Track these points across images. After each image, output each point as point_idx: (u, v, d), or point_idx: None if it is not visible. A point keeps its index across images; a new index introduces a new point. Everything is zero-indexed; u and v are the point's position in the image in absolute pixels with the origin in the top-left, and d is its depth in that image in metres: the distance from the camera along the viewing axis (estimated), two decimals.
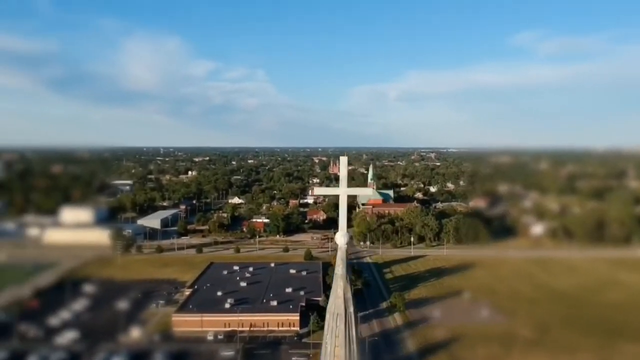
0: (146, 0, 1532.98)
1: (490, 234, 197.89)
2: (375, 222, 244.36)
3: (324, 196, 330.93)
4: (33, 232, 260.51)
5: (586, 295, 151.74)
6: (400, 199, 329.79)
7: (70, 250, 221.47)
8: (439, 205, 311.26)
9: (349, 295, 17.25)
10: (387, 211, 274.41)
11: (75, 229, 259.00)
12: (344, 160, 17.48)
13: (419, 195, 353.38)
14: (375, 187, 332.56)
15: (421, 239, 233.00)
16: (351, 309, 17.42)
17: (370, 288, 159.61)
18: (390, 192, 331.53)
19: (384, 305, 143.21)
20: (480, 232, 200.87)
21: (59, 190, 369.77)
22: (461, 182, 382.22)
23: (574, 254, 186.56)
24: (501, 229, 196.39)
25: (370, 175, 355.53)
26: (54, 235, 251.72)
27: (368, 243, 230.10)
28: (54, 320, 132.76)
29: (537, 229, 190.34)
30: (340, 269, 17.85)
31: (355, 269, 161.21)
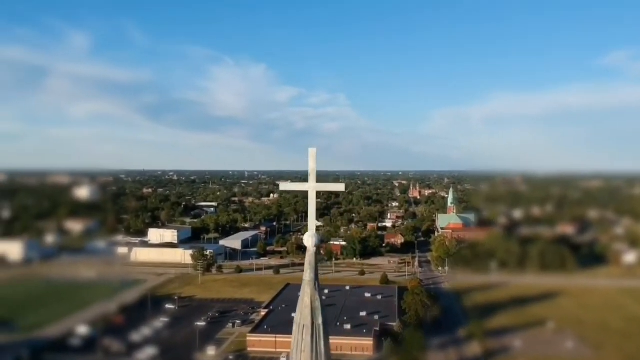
0: (234, 31, 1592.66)
1: (578, 261, 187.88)
2: (455, 246, 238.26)
3: (402, 220, 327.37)
4: (122, 250, 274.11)
5: None
6: (482, 223, 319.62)
7: (155, 269, 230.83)
8: (524, 230, 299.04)
9: (318, 304, 16.31)
10: (467, 236, 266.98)
11: (160, 249, 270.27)
12: (312, 152, 16.75)
13: (502, 219, 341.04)
14: (455, 211, 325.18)
15: (503, 265, 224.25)
16: (320, 320, 16.39)
17: (448, 315, 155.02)
18: (472, 216, 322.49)
19: (462, 333, 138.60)
20: (568, 259, 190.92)
21: (148, 211, 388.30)
22: (548, 207, 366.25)
23: None
24: (590, 256, 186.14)
25: (450, 199, 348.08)
26: (141, 254, 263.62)
27: (447, 268, 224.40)
28: (135, 336, 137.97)
29: (630, 257, 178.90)
30: (308, 275, 17.05)
31: (432, 294, 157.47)
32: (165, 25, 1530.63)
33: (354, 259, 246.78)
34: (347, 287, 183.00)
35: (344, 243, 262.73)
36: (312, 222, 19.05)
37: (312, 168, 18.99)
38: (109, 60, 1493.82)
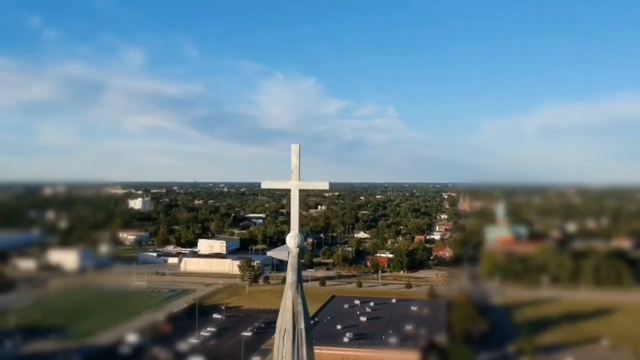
0: (284, 46, 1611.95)
1: (635, 276, 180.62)
2: (505, 260, 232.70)
3: (450, 232, 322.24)
4: (173, 260, 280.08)
5: None
6: (533, 236, 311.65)
7: (203, 279, 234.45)
8: (577, 244, 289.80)
9: (300, 308, 15.78)
10: (518, 249, 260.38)
11: (209, 259, 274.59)
12: (295, 148, 16.21)
13: (555, 233, 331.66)
14: (506, 223, 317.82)
15: (555, 279, 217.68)
16: (302, 325, 15.85)
17: (497, 330, 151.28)
18: (523, 229, 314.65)
19: (511, 349, 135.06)
20: (624, 274, 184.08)
21: (199, 222, 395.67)
22: (603, 220, 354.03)
23: None
24: None
25: (500, 211, 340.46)
26: (190, 264, 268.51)
27: (496, 282, 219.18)
28: (183, 345, 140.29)
29: None
30: (290, 277, 16.54)
31: (480, 308, 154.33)
32: (218, 40, 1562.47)
33: (401, 272, 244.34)
34: (393, 300, 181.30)
35: (390, 255, 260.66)
36: (295, 221, 18.22)
37: (295, 165, 18.21)
38: (163, 75, 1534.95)
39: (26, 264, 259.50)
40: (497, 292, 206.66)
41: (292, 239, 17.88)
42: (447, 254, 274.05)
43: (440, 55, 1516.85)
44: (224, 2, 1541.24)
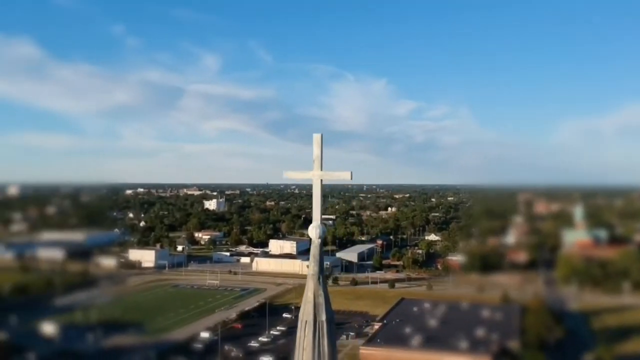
0: (355, 48, 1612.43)
1: None
2: (583, 264, 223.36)
3: (525, 235, 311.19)
4: (245, 260, 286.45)
5: None
6: (614, 240, 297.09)
7: (274, 278, 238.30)
8: None
9: (321, 300, 15.38)
10: (597, 253, 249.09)
11: (280, 259, 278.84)
12: (317, 138, 15.65)
13: (638, 237, 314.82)
14: (585, 227, 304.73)
15: (638, 285, 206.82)
16: (323, 317, 15.50)
17: (573, 337, 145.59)
18: (603, 233, 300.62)
19: (588, 357, 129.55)
20: None
21: (270, 223, 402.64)
22: None
23: None
24: None
25: (579, 214, 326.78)
26: (261, 264, 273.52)
27: (573, 287, 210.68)
28: (253, 343, 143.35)
29: None
30: (312, 268, 16.13)
31: (556, 314, 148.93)
32: (290, 44, 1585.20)
33: (473, 275, 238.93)
34: (465, 304, 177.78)
35: (462, 258, 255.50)
36: (317, 212, 17.67)
37: (316, 155, 17.66)
38: (237, 79, 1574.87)
39: (108, 262, 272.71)
40: (574, 298, 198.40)
41: (314, 230, 17.51)
42: (522, 258, 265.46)
43: (515, 55, 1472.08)
44: (296, 7, 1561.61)
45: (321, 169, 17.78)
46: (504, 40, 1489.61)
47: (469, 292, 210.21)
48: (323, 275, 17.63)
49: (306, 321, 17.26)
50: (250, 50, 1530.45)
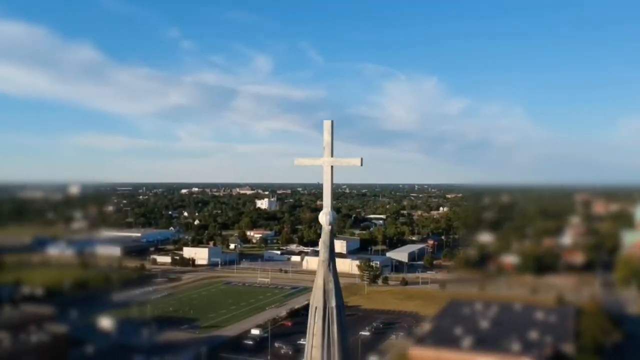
0: (406, 47, 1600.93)
1: None
2: None
3: (582, 236, 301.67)
4: (295, 259, 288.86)
5: None
6: None
7: None
8: None
9: (331, 286, 15.23)
10: None
11: None
12: (327, 124, 15.49)
13: None
14: None
15: None
16: (333, 303, 15.36)
17: (633, 342, 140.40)
18: None
19: None
20: None
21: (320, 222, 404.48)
22: None
23: None
24: None
25: (639, 215, 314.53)
26: (312, 263, 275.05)
27: (633, 290, 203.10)
28: (303, 341, 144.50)
29: None
30: (322, 254, 15.91)
31: (614, 318, 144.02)
32: (340, 44, 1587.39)
33: (527, 276, 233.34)
34: (518, 306, 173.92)
35: (516, 259, 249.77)
36: (327, 199, 17.62)
37: (327, 141, 17.61)
38: (288, 80, 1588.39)
39: (163, 259, 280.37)
40: (634, 301, 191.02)
41: (325, 217, 17.56)
42: (578, 259, 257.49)
43: (571, 53, 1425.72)
44: (346, 7, 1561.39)
45: (332, 155, 17.84)
46: (560, 38, 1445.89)
47: (522, 294, 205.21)
48: (333, 262, 17.76)
49: (316, 307, 17.47)
50: (301, 50, 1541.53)
